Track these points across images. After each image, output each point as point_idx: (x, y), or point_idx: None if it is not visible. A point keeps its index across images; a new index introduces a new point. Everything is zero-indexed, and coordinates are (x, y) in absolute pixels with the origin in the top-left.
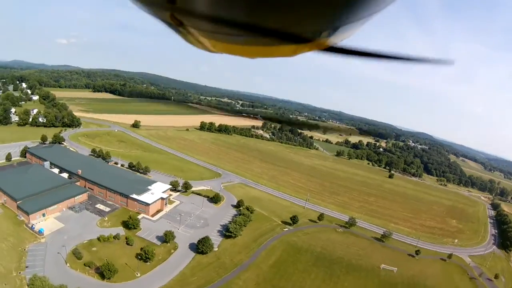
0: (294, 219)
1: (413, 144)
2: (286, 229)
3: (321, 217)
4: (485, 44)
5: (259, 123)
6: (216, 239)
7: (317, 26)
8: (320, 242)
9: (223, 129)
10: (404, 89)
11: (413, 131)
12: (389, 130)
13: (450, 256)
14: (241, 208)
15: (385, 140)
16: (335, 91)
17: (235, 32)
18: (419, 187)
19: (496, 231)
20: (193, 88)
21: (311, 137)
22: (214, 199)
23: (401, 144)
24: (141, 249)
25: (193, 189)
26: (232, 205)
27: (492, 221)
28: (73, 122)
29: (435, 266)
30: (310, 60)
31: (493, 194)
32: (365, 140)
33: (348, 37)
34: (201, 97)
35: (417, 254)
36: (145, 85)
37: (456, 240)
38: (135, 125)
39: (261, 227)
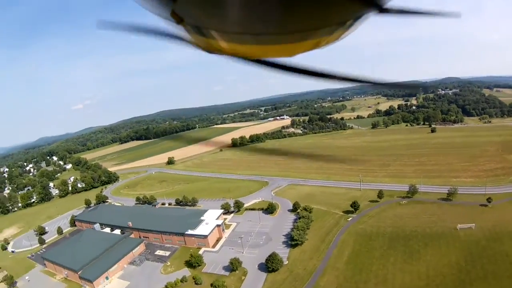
0: (355, 205)
1: (443, 91)
2: (350, 218)
3: (380, 194)
4: None
5: (287, 121)
6: (283, 252)
7: (322, 23)
8: (388, 221)
9: (254, 139)
10: (415, 42)
11: (439, 79)
12: (415, 89)
13: None
14: (298, 210)
15: (414, 97)
16: (348, 66)
17: (236, 28)
18: (465, 132)
19: None
20: (214, 110)
21: (342, 118)
22: (269, 209)
23: (432, 96)
24: (211, 285)
25: (245, 206)
26: (289, 210)
27: None
28: (111, 178)
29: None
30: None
31: None
32: (395, 103)
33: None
34: (224, 115)
35: (489, 202)
36: (167, 122)
37: None
38: (170, 161)
39: (324, 225)
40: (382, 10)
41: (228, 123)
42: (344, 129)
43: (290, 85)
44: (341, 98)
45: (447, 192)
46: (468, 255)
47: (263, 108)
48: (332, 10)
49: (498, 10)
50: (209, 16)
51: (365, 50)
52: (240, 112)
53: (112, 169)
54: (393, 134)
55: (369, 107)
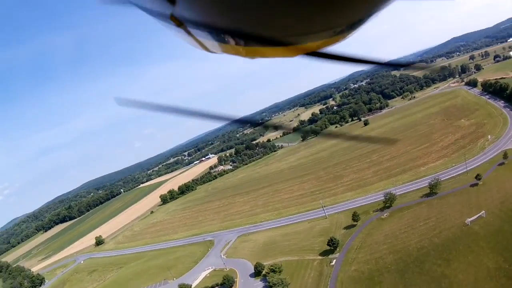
0: (333, 242)
1: (356, 85)
2: (334, 260)
3: (354, 216)
4: None
5: (213, 161)
6: None
7: (323, 24)
8: (383, 248)
9: (185, 190)
10: None
11: (345, 76)
12: (327, 89)
13: (505, 155)
14: (264, 273)
15: (331, 99)
16: (258, 91)
17: (237, 32)
18: (398, 115)
19: (504, 103)
20: (138, 168)
21: (269, 140)
22: (226, 283)
23: (347, 92)
24: None
25: (193, 287)
26: (252, 276)
27: (488, 96)
28: (35, 283)
29: (507, 175)
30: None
31: (457, 76)
32: (315, 109)
33: (339, 42)
34: (148, 171)
35: (479, 179)
36: (91, 194)
37: (489, 136)
38: (99, 242)
39: (306, 283)
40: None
41: (154, 178)
42: (275, 151)
43: (206, 123)
44: (260, 121)
45: (428, 186)
46: (503, 251)
47: (186, 153)
48: (334, 11)
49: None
50: (208, 19)
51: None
52: (164, 164)
53: (38, 267)
54: (327, 140)
55: (290, 121)
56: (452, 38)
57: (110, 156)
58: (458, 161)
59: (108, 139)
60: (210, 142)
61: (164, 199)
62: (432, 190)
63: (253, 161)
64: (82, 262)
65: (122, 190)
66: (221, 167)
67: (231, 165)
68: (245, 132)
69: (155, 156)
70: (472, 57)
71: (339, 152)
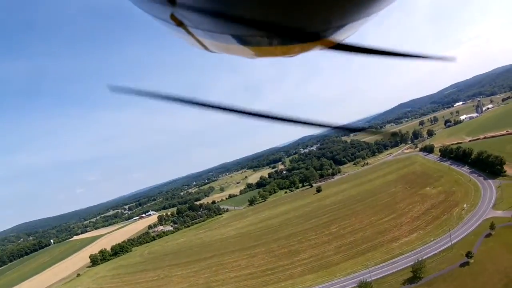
0: None
1: (306, 150)
2: None
3: None
4: None
5: (153, 219)
6: None
7: (324, 23)
8: None
9: (118, 251)
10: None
11: (295, 140)
12: (276, 153)
13: (492, 225)
14: None
15: (280, 163)
16: (206, 149)
17: (237, 31)
18: (353, 181)
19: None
20: (75, 215)
21: (214, 202)
22: None
23: (296, 156)
24: None
25: None
26: None
27: (450, 162)
28: None
29: (499, 248)
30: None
31: (409, 142)
32: (264, 173)
33: (352, 35)
34: (85, 221)
35: (470, 257)
36: (21, 239)
37: (465, 205)
38: None
39: None
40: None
41: (90, 231)
42: (220, 214)
43: (154, 176)
44: (206, 180)
45: (411, 269)
46: None
47: (127, 207)
48: (333, 11)
49: (332, 72)
50: (208, 18)
51: None
52: (103, 215)
53: None
54: (277, 206)
55: (237, 183)
56: (399, 104)
57: (49, 199)
58: (436, 234)
59: (51, 181)
60: (152, 198)
61: (94, 260)
62: (416, 274)
63: (196, 223)
64: None
65: (52, 241)
66: (161, 227)
67: (171, 225)
68: (189, 190)
69: (95, 205)
70: (421, 123)
71: (292, 220)
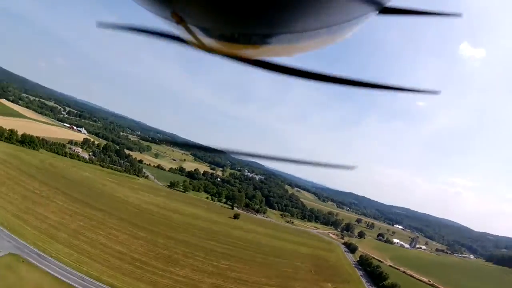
0: None
1: (250, 174)
2: None
3: None
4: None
5: (80, 137)
6: None
7: (316, 25)
8: None
9: (27, 141)
10: (235, 119)
11: (246, 160)
12: (225, 158)
13: None
14: None
15: (221, 169)
16: (174, 113)
17: (239, 29)
18: (270, 230)
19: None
20: (21, 82)
21: (141, 161)
22: None
23: (238, 173)
24: None
25: None
26: None
27: (362, 272)
28: None
29: None
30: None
31: (339, 229)
32: (202, 168)
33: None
34: (23, 94)
35: None
36: None
37: None
38: None
39: None
40: (383, 10)
41: (20, 106)
42: (138, 176)
43: (110, 101)
44: (150, 138)
45: None
46: None
47: (68, 109)
48: (332, 10)
49: (317, 125)
50: (209, 17)
51: None
52: (42, 100)
53: None
54: (192, 205)
55: (173, 159)
56: (350, 192)
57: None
58: None
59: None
60: (96, 119)
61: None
62: None
63: (111, 169)
64: None
65: None
66: (79, 150)
67: (89, 155)
68: (130, 136)
69: (46, 87)
70: (359, 220)
71: (194, 227)
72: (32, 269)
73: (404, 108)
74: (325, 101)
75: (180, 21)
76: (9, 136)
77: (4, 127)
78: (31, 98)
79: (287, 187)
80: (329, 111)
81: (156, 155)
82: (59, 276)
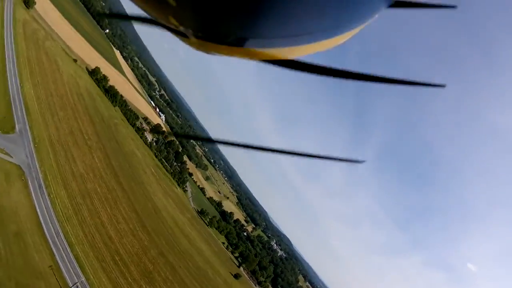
0: None
1: (275, 246)
2: None
3: None
4: None
5: (156, 120)
6: None
7: (324, 26)
8: None
9: (111, 93)
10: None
11: (281, 230)
12: (263, 216)
13: None
14: None
15: (253, 225)
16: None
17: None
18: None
19: None
20: (140, 48)
21: (191, 174)
22: None
23: (265, 239)
24: None
25: None
26: None
27: None
28: None
29: None
30: None
31: None
32: (238, 214)
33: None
34: (136, 58)
35: None
36: None
37: None
38: None
39: None
40: (394, 4)
41: (128, 65)
42: (178, 185)
43: None
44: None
45: None
46: None
47: (162, 92)
48: (347, 9)
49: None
50: (209, 20)
51: None
52: (148, 73)
53: None
54: (204, 241)
55: (219, 191)
56: None
57: None
58: None
59: None
60: (180, 115)
61: None
62: None
63: (161, 164)
64: None
65: None
66: (147, 128)
67: (152, 140)
68: (197, 148)
69: None
70: None
71: (191, 262)
72: (23, 190)
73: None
74: None
75: (178, 24)
76: (100, 79)
77: (102, 71)
78: (140, 65)
79: (300, 277)
80: None
81: (207, 178)
82: (40, 216)
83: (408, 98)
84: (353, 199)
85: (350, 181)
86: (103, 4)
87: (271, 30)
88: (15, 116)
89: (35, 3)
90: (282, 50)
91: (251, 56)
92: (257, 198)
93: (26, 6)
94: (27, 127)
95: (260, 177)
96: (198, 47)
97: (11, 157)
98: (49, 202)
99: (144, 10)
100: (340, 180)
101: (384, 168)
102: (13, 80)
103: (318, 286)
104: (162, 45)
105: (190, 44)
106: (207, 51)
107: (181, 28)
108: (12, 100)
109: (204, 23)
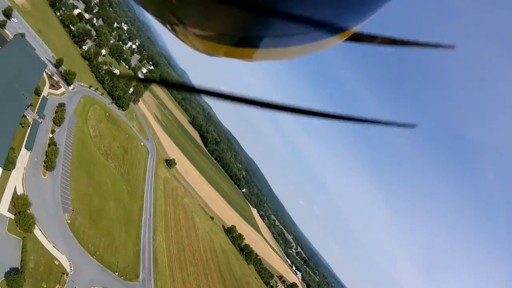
0: None
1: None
2: None
3: None
4: None
5: (292, 279)
6: None
7: (316, 28)
8: None
9: (246, 251)
10: None
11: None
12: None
13: None
14: None
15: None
16: None
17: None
18: None
19: None
20: (277, 206)
21: None
22: None
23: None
24: None
25: None
26: None
27: None
28: None
29: None
30: None
31: None
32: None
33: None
34: (272, 216)
35: None
36: None
37: None
38: None
39: None
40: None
41: (264, 223)
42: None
43: None
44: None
45: None
46: None
47: (299, 250)
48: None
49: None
50: (208, 19)
51: None
52: (284, 232)
53: None
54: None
55: None
56: None
57: None
58: None
59: None
60: (317, 272)
61: None
62: None
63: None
64: None
65: None
66: None
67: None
68: None
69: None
70: None
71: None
72: None
73: None
74: None
75: (178, 23)
76: (236, 237)
77: (237, 229)
78: (277, 222)
79: None
80: None
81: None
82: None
83: None
84: None
85: None
86: (239, 166)
87: (272, 30)
88: (141, 266)
89: (175, 164)
90: (282, 50)
91: (251, 56)
92: None
93: (168, 166)
94: (152, 278)
95: None
96: (199, 48)
97: None
98: None
99: (145, 8)
100: None
101: None
102: (147, 231)
103: None
104: (298, 201)
105: (191, 44)
106: (207, 51)
107: (181, 26)
108: (141, 250)
109: (204, 22)
